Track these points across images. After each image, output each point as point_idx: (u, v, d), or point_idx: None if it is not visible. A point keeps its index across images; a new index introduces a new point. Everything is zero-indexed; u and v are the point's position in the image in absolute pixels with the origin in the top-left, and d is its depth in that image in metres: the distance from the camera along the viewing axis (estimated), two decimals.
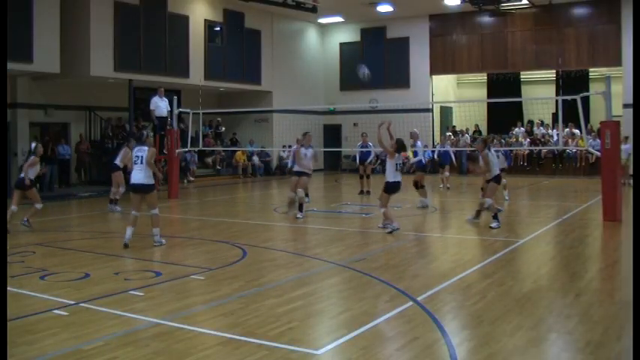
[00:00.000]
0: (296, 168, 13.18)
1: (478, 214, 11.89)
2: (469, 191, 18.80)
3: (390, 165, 10.72)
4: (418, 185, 14.34)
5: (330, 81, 29.61)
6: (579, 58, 25.21)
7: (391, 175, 10.67)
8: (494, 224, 11.19)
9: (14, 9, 16.33)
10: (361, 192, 17.50)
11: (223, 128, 26.65)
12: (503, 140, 24.29)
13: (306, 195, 13.94)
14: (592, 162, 23.01)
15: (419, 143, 15.31)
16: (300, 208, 12.75)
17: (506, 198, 15.59)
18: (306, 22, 28.50)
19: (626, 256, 8.78)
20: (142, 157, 9.59)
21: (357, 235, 11.04)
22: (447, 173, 19.49)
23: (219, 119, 26.67)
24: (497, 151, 13.43)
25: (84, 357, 4.85)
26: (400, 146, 10.80)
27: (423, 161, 14.50)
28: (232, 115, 26.41)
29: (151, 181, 9.62)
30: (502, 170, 14.43)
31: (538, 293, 6.83)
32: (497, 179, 11.56)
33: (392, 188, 10.75)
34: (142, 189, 9.61)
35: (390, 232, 10.68)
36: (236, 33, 24.94)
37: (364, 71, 18.62)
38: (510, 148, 17.47)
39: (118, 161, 14.24)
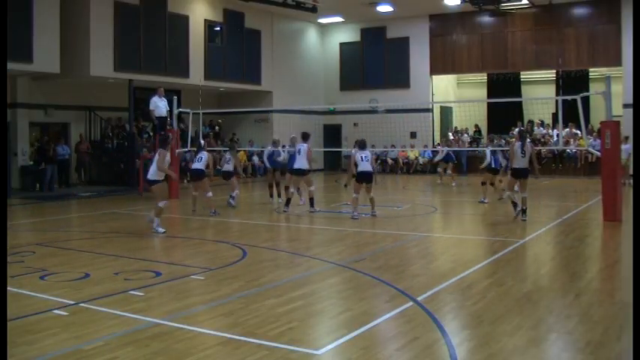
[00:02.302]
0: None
1: (515, 205, 12.50)
2: (468, 191, 18.79)
3: (358, 159, 12.74)
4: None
5: (330, 81, 29.62)
6: (579, 58, 25.21)
7: (360, 166, 12.65)
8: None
9: (14, 9, 16.35)
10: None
11: (217, 127, 26.61)
12: (503, 140, 24.35)
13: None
14: (592, 162, 23.01)
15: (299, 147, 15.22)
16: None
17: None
18: (306, 22, 28.50)
19: (626, 256, 8.78)
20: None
21: (357, 235, 11.03)
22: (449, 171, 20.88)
23: (219, 120, 26.66)
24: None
25: (84, 357, 4.85)
26: (360, 144, 13.23)
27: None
28: (232, 115, 26.41)
29: (156, 177, 11.03)
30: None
31: (538, 293, 6.83)
32: (511, 173, 12.33)
33: (359, 176, 12.65)
34: (148, 182, 11.33)
35: (353, 218, 12.49)
36: (236, 33, 24.95)
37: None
38: (505, 148, 17.44)
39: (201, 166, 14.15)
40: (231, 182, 15.21)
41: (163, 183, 11.29)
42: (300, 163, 13.70)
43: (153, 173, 11.02)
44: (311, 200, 13.91)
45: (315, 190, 14.40)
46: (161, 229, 10.85)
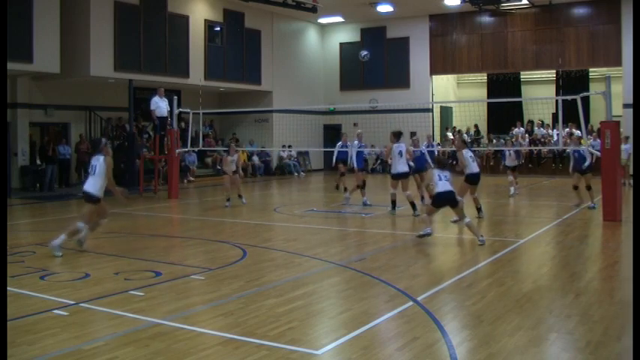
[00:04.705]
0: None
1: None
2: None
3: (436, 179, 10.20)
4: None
5: (330, 81, 29.63)
6: (579, 58, 25.23)
7: (438, 187, 10.08)
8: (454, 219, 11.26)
9: (14, 9, 16.35)
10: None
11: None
12: (502, 140, 24.39)
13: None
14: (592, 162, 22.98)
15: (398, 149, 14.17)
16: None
17: (511, 193, 16.86)
18: (306, 22, 28.51)
19: (626, 256, 8.78)
20: (95, 166, 9.19)
21: (357, 235, 11.04)
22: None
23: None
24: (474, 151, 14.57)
25: (84, 357, 4.85)
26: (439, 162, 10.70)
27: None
28: (232, 115, 26.43)
29: (100, 193, 9.16)
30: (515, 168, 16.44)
31: (538, 293, 6.83)
32: (469, 179, 11.96)
33: (438, 199, 10.04)
34: (91, 198, 9.22)
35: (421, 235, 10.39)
36: (236, 33, 24.96)
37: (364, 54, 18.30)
38: (510, 148, 17.51)
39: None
40: (236, 179, 15.09)
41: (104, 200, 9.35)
42: (403, 165, 12.91)
43: (100, 187, 9.11)
44: (412, 204, 13.02)
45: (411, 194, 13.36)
46: (58, 253, 8.74)
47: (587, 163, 14.07)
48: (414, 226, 12.10)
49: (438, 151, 17.38)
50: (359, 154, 14.99)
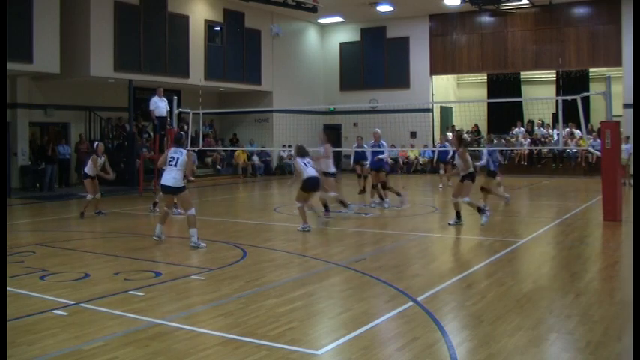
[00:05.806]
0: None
1: (458, 215, 11.59)
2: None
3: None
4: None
5: (330, 81, 29.62)
6: (579, 58, 25.23)
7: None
8: (483, 219, 11.04)
9: (14, 9, 16.36)
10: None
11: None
12: (502, 140, 24.40)
13: None
14: (592, 162, 23.02)
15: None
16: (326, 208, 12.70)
17: (506, 195, 15.69)
18: (306, 22, 28.51)
19: (626, 256, 8.77)
20: (177, 159, 9.70)
21: (357, 235, 11.03)
22: (441, 171, 20.34)
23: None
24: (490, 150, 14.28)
25: (84, 357, 4.85)
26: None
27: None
28: (232, 115, 26.44)
29: (182, 184, 9.71)
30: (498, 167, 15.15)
31: (538, 293, 6.83)
32: (472, 178, 11.24)
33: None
34: (173, 191, 9.75)
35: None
36: (236, 33, 24.96)
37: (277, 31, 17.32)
38: (510, 148, 17.52)
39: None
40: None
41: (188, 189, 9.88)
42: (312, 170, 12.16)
43: (179, 179, 9.64)
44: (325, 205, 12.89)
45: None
46: (203, 243, 9.55)
47: (480, 164, 13.60)
48: (414, 227, 12.11)
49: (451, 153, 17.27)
50: (373, 154, 14.98)
